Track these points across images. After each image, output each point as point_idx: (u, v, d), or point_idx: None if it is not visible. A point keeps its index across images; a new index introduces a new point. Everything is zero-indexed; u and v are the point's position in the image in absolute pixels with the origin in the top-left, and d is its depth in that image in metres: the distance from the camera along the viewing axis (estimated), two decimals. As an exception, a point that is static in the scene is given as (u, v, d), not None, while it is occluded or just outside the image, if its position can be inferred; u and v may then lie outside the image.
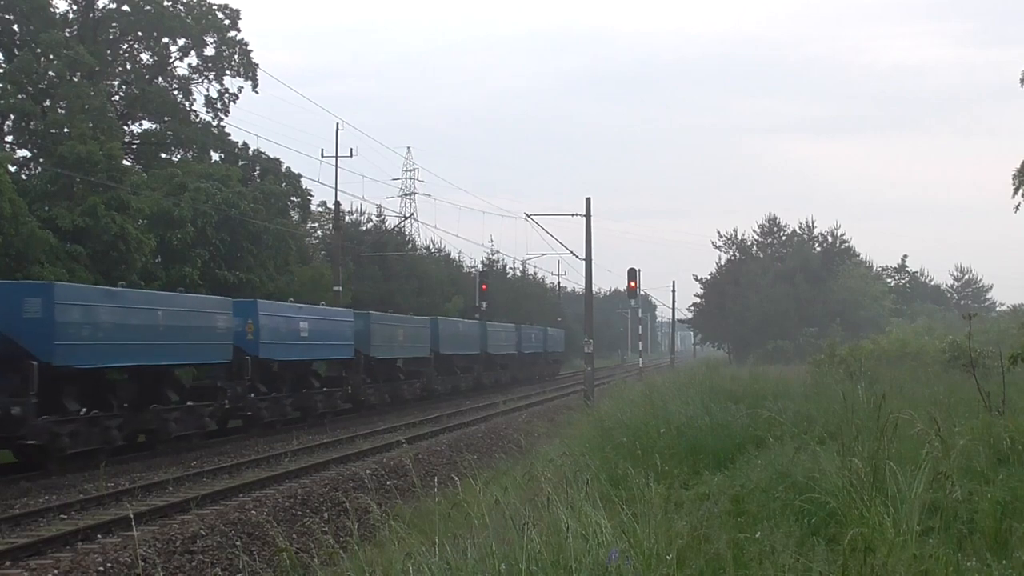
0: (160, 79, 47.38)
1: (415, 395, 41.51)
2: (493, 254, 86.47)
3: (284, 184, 47.62)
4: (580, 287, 64.44)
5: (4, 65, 41.18)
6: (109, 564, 12.82)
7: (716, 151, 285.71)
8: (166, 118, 46.01)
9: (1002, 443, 9.99)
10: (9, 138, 40.13)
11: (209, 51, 46.62)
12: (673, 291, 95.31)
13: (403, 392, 40.15)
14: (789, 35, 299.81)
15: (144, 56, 47.68)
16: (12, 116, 39.44)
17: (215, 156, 47.67)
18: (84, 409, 21.25)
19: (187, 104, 47.46)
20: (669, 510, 8.00)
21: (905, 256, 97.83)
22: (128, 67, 47.10)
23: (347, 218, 59.06)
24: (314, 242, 59.48)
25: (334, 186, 68.07)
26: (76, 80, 39.04)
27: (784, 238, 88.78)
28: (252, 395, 28.16)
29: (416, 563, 6.43)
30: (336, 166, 47.51)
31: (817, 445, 9.85)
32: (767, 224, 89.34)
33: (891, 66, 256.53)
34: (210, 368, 27.24)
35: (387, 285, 58.92)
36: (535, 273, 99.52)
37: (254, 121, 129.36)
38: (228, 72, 47.33)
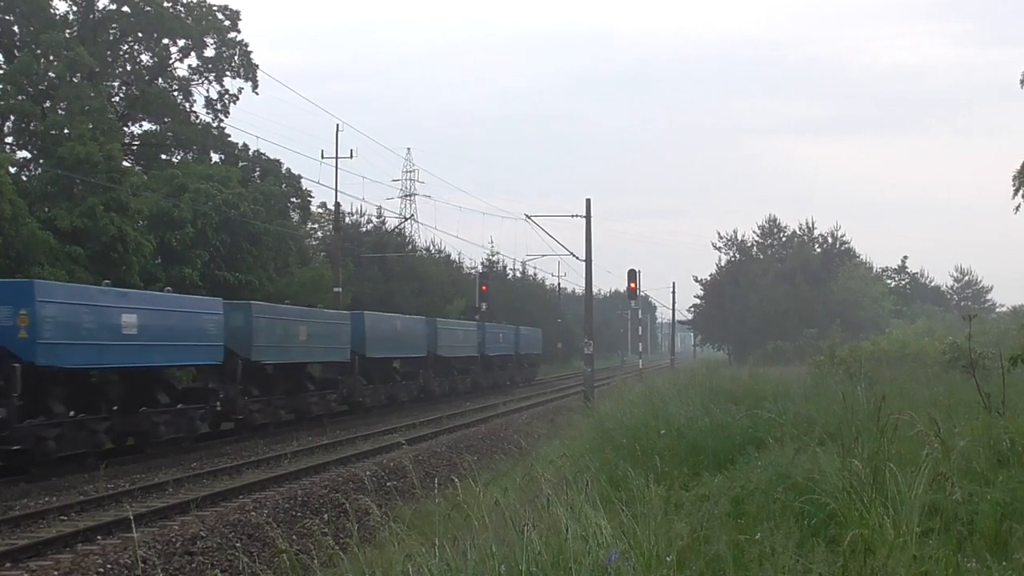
0: (160, 80, 47.40)
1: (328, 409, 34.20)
2: (493, 255, 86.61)
3: (284, 185, 47.64)
4: (580, 288, 64.54)
5: (4, 66, 41.22)
6: (109, 565, 12.82)
7: (716, 151, 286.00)
8: (166, 119, 46.04)
9: (1002, 444, 9.98)
10: (9, 139, 40.15)
11: (209, 52, 46.66)
12: (673, 292, 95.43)
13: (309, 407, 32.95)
14: (789, 35, 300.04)
15: (144, 57, 47.74)
16: (12, 117, 39.46)
17: (215, 157, 47.71)
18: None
19: (187, 105, 47.53)
20: (669, 511, 8.00)
21: (905, 257, 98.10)
22: (128, 68, 47.12)
23: (347, 219, 59.17)
24: (314, 243, 59.51)
25: (334, 187, 68.12)
26: (76, 81, 39.06)
27: (784, 239, 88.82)
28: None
29: (416, 564, 6.43)
30: (336, 167, 47.56)
31: (817, 446, 9.84)
32: (767, 225, 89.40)
33: (891, 66, 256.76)
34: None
35: (387, 286, 58.95)
36: (535, 274, 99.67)
37: (254, 122, 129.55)
38: (228, 73, 47.37)
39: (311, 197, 50.83)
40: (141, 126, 47.20)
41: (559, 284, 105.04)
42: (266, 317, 28.81)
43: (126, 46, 47.12)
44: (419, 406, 40.25)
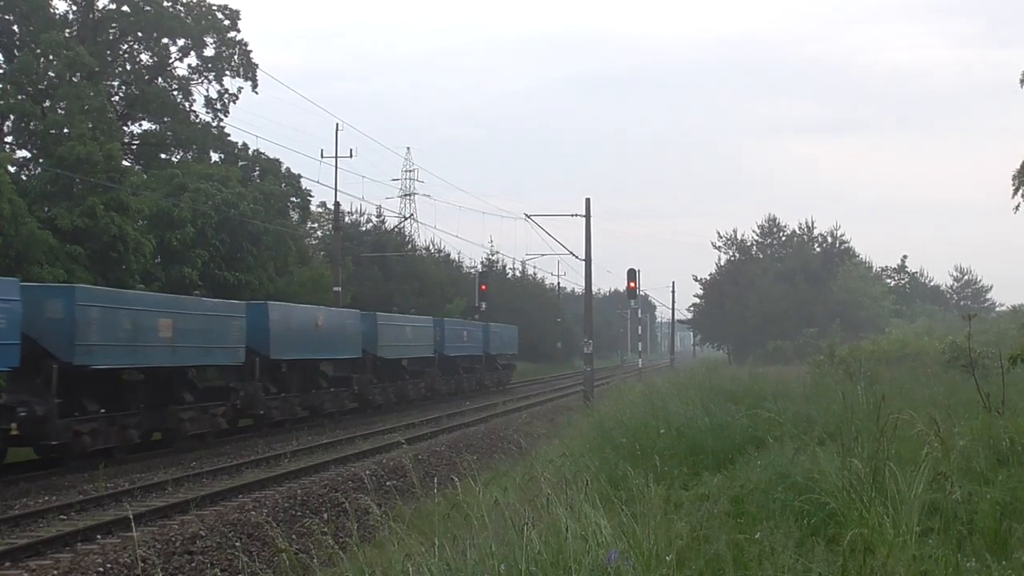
0: (160, 79, 47.39)
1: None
2: (493, 254, 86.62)
3: (284, 185, 47.62)
4: (580, 288, 64.51)
5: (4, 66, 41.21)
6: (109, 565, 12.81)
7: (716, 151, 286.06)
8: (166, 119, 46.03)
9: (1002, 444, 9.97)
10: (9, 138, 40.13)
11: (209, 51, 46.65)
12: (673, 292, 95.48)
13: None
14: (789, 36, 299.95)
15: (144, 56, 47.72)
16: (12, 116, 39.43)
17: (215, 157, 47.70)
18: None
19: (187, 104, 47.51)
20: (669, 511, 7.99)
21: (905, 256, 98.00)
22: (128, 67, 47.11)
23: (347, 218, 59.19)
24: (314, 243, 59.49)
25: (334, 187, 68.35)
26: (76, 81, 39.04)
27: (784, 239, 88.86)
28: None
29: (416, 564, 6.43)
30: (336, 167, 47.60)
31: (817, 446, 9.83)
32: (767, 225, 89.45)
33: (891, 66, 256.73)
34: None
35: (387, 286, 58.96)
36: (535, 274, 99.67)
37: (254, 122, 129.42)
38: (228, 72, 47.36)
39: (311, 197, 50.87)
40: (141, 126, 47.23)
41: (559, 284, 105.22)
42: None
43: (126, 46, 47.10)
44: (349, 421, 33.82)
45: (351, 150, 53.75)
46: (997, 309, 79.29)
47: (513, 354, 59.73)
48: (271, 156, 48.80)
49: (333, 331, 33.56)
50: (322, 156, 47.80)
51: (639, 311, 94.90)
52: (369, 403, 36.41)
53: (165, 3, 44.83)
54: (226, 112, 47.67)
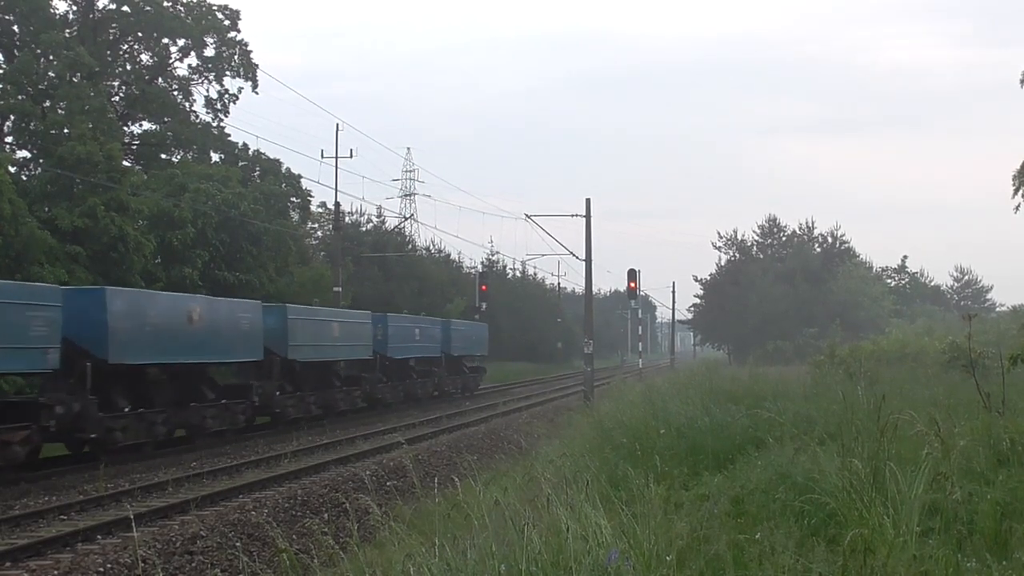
0: (160, 80, 47.41)
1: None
2: (493, 255, 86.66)
3: (284, 185, 47.63)
4: (580, 288, 64.52)
5: (4, 66, 41.21)
6: (109, 565, 12.81)
7: (716, 151, 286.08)
8: (166, 119, 46.05)
9: (1002, 444, 9.97)
10: (9, 139, 40.14)
11: (209, 52, 46.67)
12: (673, 292, 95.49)
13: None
14: (789, 36, 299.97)
15: (144, 57, 47.76)
16: (12, 117, 39.45)
17: (215, 157, 47.72)
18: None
19: (187, 105, 47.54)
20: (669, 511, 7.99)
21: (905, 257, 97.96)
22: (128, 68, 47.12)
23: (347, 219, 59.23)
24: (314, 243, 59.51)
25: (334, 187, 68.33)
26: (76, 81, 39.05)
27: (784, 239, 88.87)
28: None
29: (416, 564, 6.43)
30: (336, 167, 47.60)
31: (817, 446, 9.83)
32: (767, 225, 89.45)
33: (891, 66, 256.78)
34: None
35: (387, 286, 58.98)
36: (535, 274, 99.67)
37: (254, 122, 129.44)
38: (228, 73, 47.37)
39: (311, 197, 50.90)
40: (141, 126, 47.26)
41: (559, 284, 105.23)
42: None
43: (126, 46, 47.13)
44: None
45: (351, 150, 53.80)
46: (997, 309, 79.28)
47: (483, 355, 52.75)
48: (271, 156, 48.88)
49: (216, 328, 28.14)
50: (322, 156, 47.85)
51: (639, 311, 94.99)
52: (279, 416, 29.92)
53: (165, 3, 44.84)
54: (226, 112, 47.73)
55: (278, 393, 29.61)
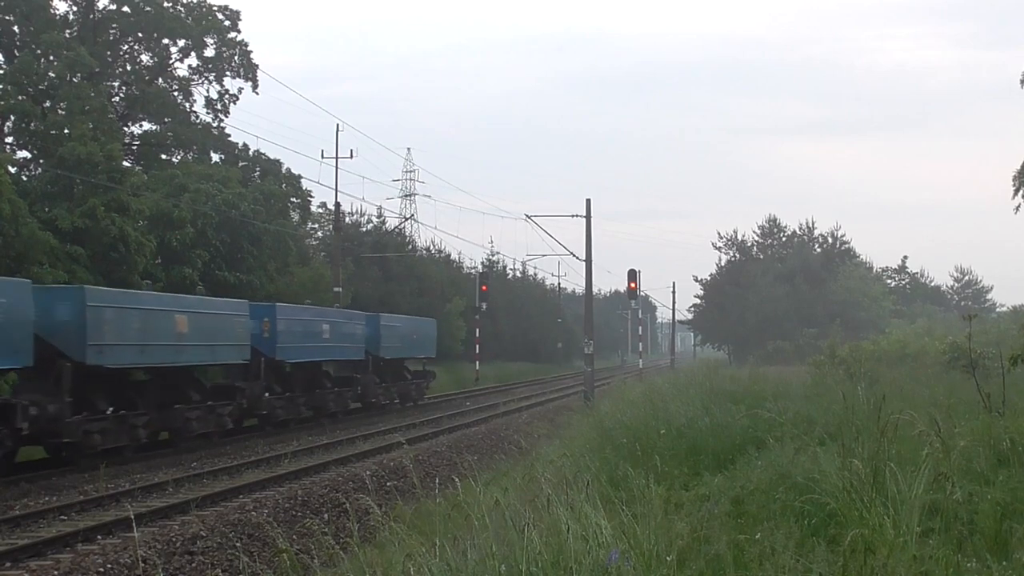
0: (160, 80, 47.39)
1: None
2: (493, 255, 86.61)
3: (284, 185, 47.60)
4: (580, 288, 64.56)
5: (4, 66, 41.20)
6: (109, 565, 12.81)
7: (716, 152, 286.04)
8: (166, 119, 46.02)
9: (1002, 444, 9.97)
10: (9, 139, 40.13)
11: (209, 52, 46.63)
12: (673, 292, 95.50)
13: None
14: (789, 37, 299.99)
15: (144, 57, 47.72)
16: (12, 117, 39.43)
17: (215, 157, 47.69)
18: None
19: (187, 105, 47.50)
20: (669, 511, 8.00)
21: (905, 257, 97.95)
22: (128, 68, 47.10)
23: (347, 219, 59.18)
24: (314, 243, 59.47)
25: (334, 187, 68.11)
26: (76, 81, 39.05)
27: (784, 239, 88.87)
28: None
29: (416, 564, 6.43)
30: (336, 167, 47.61)
31: (817, 446, 9.83)
32: (767, 225, 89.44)
33: (891, 67, 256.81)
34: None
35: (387, 286, 58.95)
36: (535, 274, 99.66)
37: (254, 122, 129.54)
38: (228, 73, 47.34)
39: (311, 197, 50.84)
40: (141, 126, 47.22)
41: (559, 284, 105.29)
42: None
43: (126, 46, 47.10)
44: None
45: (351, 151, 53.68)
46: (997, 309, 79.26)
47: (428, 358, 43.39)
48: (271, 157, 48.84)
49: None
50: (322, 157, 47.84)
51: (639, 311, 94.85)
52: (78, 450, 21.25)
53: (165, 4, 44.82)
54: (226, 113, 47.70)
55: None
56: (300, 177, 48.47)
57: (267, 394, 29.17)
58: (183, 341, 24.34)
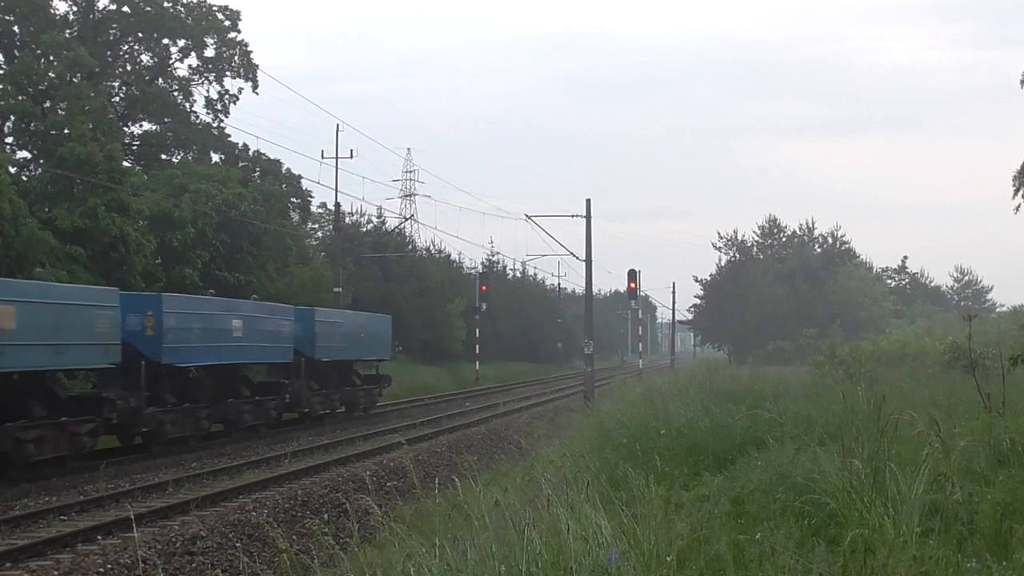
0: (160, 80, 47.41)
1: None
2: (493, 255, 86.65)
3: (284, 185, 47.63)
4: (580, 288, 64.55)
5: (4, 66, 41.23)
6: (109, 565, 12.81)
7: (716, 152, 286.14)
8: (166, 119, 46.06)
9: (1002, 444, 9.97)
10: (9, 139, 40.14)
11: (209, 52, 46.67)
12: (673, 292, 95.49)
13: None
14: (789, 37, 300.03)
15: (144, 57, 47.75)
16: (12, 117, 39.45)
17: (215, 157, 47.72)
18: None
19: (187, 105, 47.53)
20: (669, 511, 7.99)
21: (905, 257, 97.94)
22: (128, 68, 47.14)
23: (347, 219, 59.15)
24: (314, 243, 59.49)
25: (334, 187, 68.18)
26: (76, 81, 39.08)
27: (784, 239, 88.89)
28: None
29: (416, 564, 6.43)
30: (336, 167, 47.61)
31: (817, 446, 9.83)
32: (767, 225, 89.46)
33: (891, 67, 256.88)
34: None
35: (387, 286, 58.96)
36: (535, 274, 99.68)
37: (254, 122, 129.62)
38: (228, 73, 47.38)
39: (311, 197, 50.88)
40: (141, 126, 47.28)
41: (559, 284, 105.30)
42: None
43: (126, 46, 47.12)
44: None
45: (351, 151, 53.66)
46: (997, 310, 79.28)
47: (380, 360, 37.83)
48: (271, 157, 48.88)
49: None
50: (322, 157, 47.85)
51: (639, 312, 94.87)
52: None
53: (165, 4, 44.84)
54: (226, 113, 47.74)
55: None
56: (300, 177, 48.57)
57: (152, 407, 23.14)
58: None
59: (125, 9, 44.48)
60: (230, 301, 29.39)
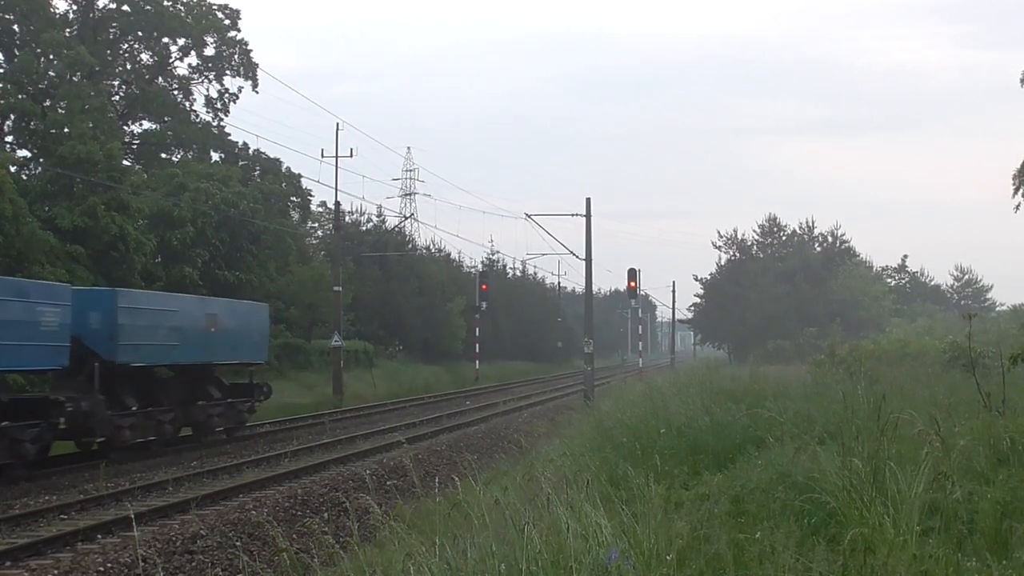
0: (160, 79, 47.42)
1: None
2: (493, 254, 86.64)
3: (284, 184, 47.65)
4: (580, 287, 64.47)
5: (4, 65, 41.23)
6: (109, 564, 12.81)
7: (716, 152, 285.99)
8: (166, 118, 46.08)
9: (1002, 443, 9.97)
10: (9, 138, 40.15)
11: (209, 51, 46.70)
12: (673, 291, 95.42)
13: None
14: (789, 37, 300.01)
15: (144, 56, 47.76)
16: (12, 116, 39.47)
17: (215, 156, 47.75)
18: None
19: (187, 104, 47.57)
20: (669, 510, 7.99)
21: (905, 256, 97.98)
22: (128, 67, 47.15)
23: (347, 218, 59.18)
24: (314, 242, 59.51)
25: (334, 186, 68.05)
26: (76, 80, 39.09)
27: (784, 238, 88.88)
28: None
29: (416, 563, 6.43)
30: (336, 166, 47.48)
31: (817, 445, 9.83)
32: (767, 224, 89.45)
33: (891, 67, 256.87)
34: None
35: (387, 285, 58.98)
36: (535, 273, 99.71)
37: (254, 121, 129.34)
38: (228, 72, 47.41)
39: (311, 196, 50.92)
40: (141, 125, 47.32)
41: (559, 283, 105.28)
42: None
43: (126, 45, 47.13)
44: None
45: (351, 150, 53.74)
46: (997, 309, 79.24)
47: (254, 364, 28.82)
48: (271, 156, 48.94)
49: None
50: (322, 156, 47.70)
51: (639, 311, 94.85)
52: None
53: (165, 3, 44.86)
54: (226, 112, 47.76)
55: None
56: (300, 176, 48.62)
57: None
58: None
59: (125, 8, 44.51)
60: None
